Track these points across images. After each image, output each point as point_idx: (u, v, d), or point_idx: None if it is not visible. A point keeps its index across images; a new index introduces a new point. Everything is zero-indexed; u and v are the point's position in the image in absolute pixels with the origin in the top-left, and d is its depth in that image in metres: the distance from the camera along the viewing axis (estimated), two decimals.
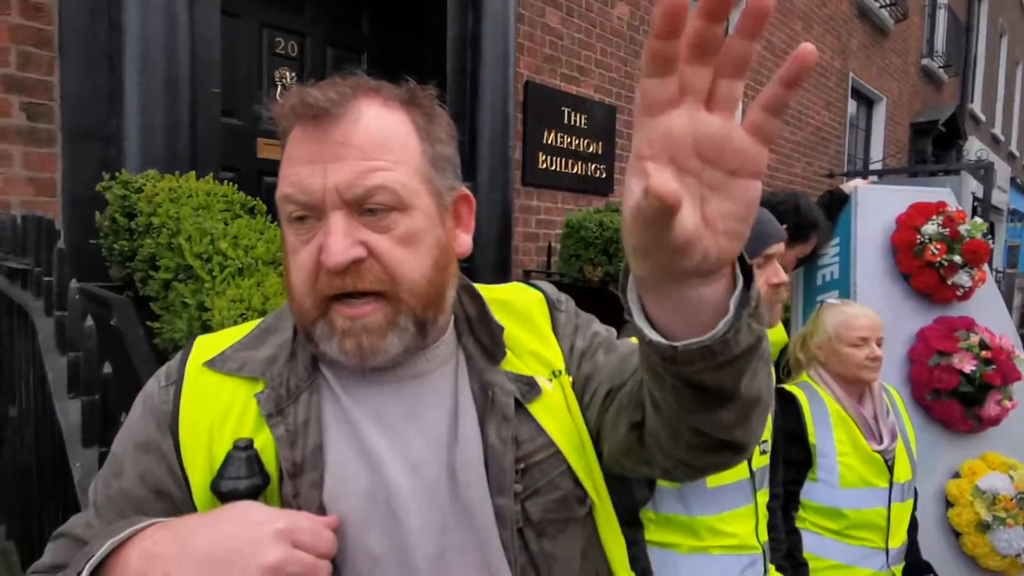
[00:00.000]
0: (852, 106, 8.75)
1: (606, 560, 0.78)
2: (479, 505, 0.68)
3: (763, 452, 1.39)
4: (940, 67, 11.22)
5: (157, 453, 0.69)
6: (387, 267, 0.64)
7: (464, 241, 0.75)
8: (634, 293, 0.53)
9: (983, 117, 13.68)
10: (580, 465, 0.73)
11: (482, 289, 0.81)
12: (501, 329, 0.76)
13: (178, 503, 0.68)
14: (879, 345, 1.72)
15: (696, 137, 0.43)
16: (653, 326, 0.52)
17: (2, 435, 2.19)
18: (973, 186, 5.52)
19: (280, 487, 0.65)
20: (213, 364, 0.71)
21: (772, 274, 1.37)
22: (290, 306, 0.70)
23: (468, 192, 0.76)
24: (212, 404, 0.69)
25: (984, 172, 5.20)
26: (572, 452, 0.73)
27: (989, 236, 2.34)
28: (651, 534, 1.30)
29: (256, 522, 0.58)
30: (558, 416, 0.74)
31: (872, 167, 8.98)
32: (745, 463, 1.31)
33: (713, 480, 1.28)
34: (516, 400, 0.72)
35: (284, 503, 0.65)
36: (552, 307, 0.83)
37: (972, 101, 12.84)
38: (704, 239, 0.45)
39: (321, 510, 0.65)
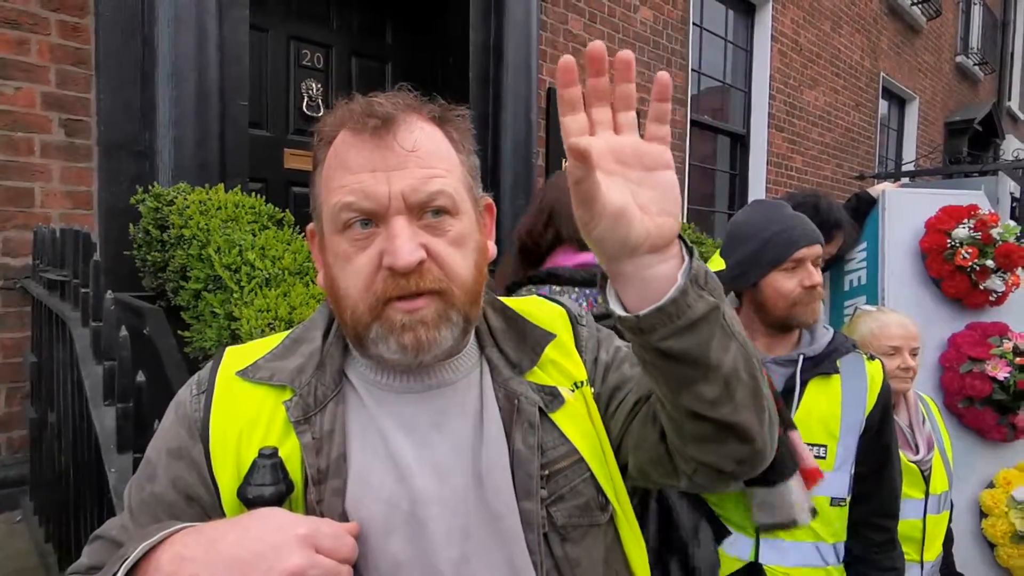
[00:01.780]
0: (883, 106, 8.58)
1: (628, 565, 0.79)
2: (506, 510, 0.70)
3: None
4: (975, 64, 10.94)
5: (188, 459, 0.71)
6: (444, 267, 0.68)
7: (491, 247, 0.78)
8: (611, 287, 0.64)
9: (1021, 115, 13.29)
10: (602, 473, 0.75)
11: (505, 302, 0.83)
12: (549, 339, 0.79)
13: (208, 508, 0.70)
14: (914, 355, 1.68)
15: (612, 149, 0.60)
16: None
17: (41, 440, 2.27)
18: (1011, 186, 5.37)
19: (305, 493, 0.68)
20: (245, 373, 0.73)
21: (805, 276, 1.38)
22: (339, 315, 0.72)
23: (491, 201, 0.80)
24: (242, 412, 0.71)
25: (1022, 172, 5.05)
26: (594, 460, 0.75)
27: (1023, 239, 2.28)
28: None
29: (279, 527, 0.59)
30: (580, 425, 0.76)
31: (904, 168, 8.79)
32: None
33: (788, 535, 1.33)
34: (540, 409, 0.74)
35: (309, 509, 0.67)
36: (574, 322, 0.85)
37: (1009, 99, 12.49)
38: (641, 219, 0.59)
39: (343, 517, 0.67)
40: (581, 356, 0.81)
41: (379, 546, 0.67)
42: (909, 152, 9.30)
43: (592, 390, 0.79)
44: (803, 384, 1.38)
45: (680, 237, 0.62)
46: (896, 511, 1.42)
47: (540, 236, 1.50)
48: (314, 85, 3.67)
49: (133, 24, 2.65)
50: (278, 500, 0.65)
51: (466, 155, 0.75)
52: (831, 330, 1.46)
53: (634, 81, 0.60)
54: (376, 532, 0.67)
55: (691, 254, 0.62)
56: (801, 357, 1.39)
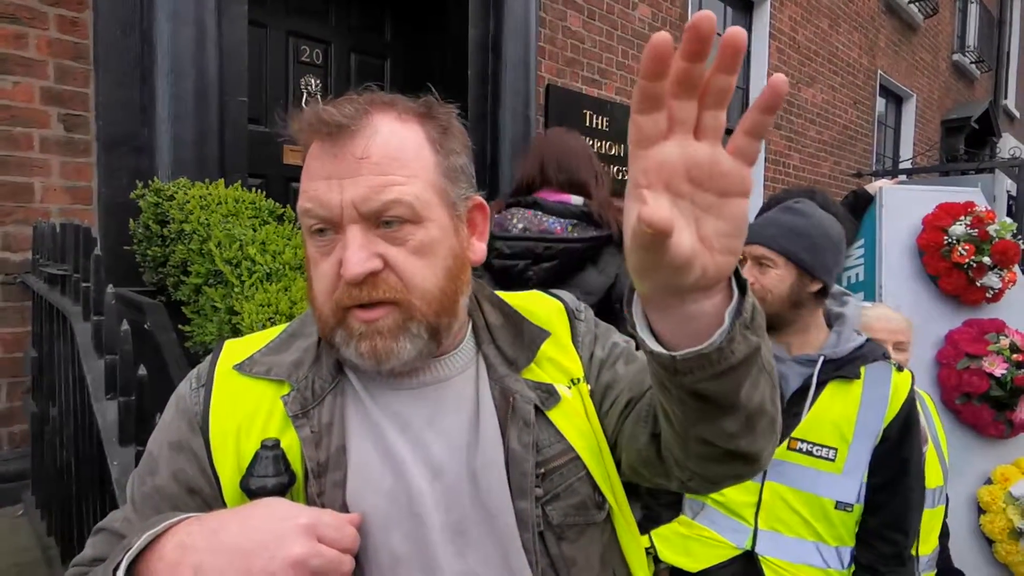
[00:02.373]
0: (880, 104, 8.59)
1: (625, 564, 0.79)
2: (500, 508, 0.69)
3: (801, 451, 1.38)
4: (972, 63, 10.96)
5: (189, 452, 0.72)
6: (402, 277, 0.66)
7: (479, 249, 0.76)
8: (639, 308, 0.56)
9: (1017, 113, 13.32)
10: (598, 471, 0.75)
11: (502, 297, 0.83)
12: (544, 336, 0.78)
13: (209, 500, 0.70)
14: (899, 350, 1.68)
15: (687, 164, 0.47)
16: (657, 339, 0.55)
17: (42, 435, 2.27)
18: (1008, 184, 5.39)
19: (305, 486, 0.68)
20: (242, 367, 0.74)
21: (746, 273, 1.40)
22: (312, 314, 0.72)
23: (483, 200, 0.77)
24: (240, 405, 0.72)
25: (1019, 170, 5.07)
26: (590, 458, 0.74)
27: (1020, 236, 2.29)
28: None
29: (282, 517, 0.60)
30: (577, 423, 0.75)
31: (901, 166, 8.80)
32: None
33: None
34: (536, 407, 0.73)
35: (309, 502, 0.67)
36: (572, 316, 0.84)
37: (1006, 97, 12.51)
38: (702, 257, 0.48)
39: (344, 509, 0.67)
40: (577, 352, 0.80)
41: (379, 539, 0.68)
42: (906, 150, 9.32)
43: (588, 386, 0.78)
44: (820, 385, 1.38)
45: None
46: (909, 527, 1.38)
47: (532, 180, 1.83)
48: (313, 81, 3.67)
49: (132, 19, 2.65)
50: (280, 491, 0.66)
51: (445, 155, 0.71)
52: (863, 336, 1.45)
53: (737, 72, 0.46)
54: (376, 525, 0.68)
55: (743, 291, 0.54)
56: (822, 359, 1.38)
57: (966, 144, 10.31)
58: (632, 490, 0.80)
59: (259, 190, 2.15)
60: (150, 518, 0.67)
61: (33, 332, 2.45)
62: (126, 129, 2.67)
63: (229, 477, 0.69)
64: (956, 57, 10.52)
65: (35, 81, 2.53)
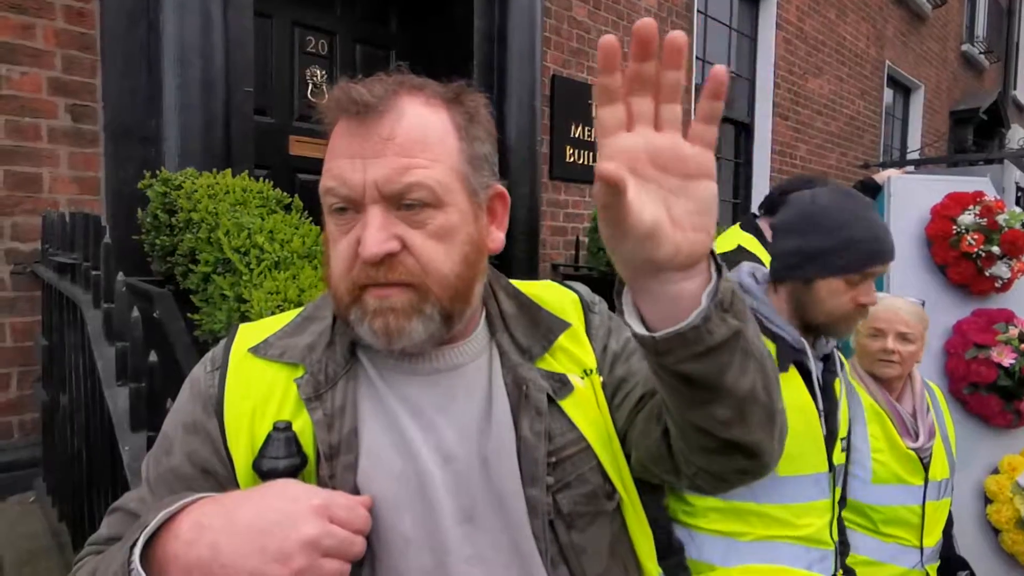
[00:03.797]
0: (888, 95, 8.54)
1: (634, 554, 0.79)
2: (511, 495, 0.70)
3: (843, 449, 1.35)
4: (981, 53, 10.87)
5: (204, 434, 0.73)
6: (419, 260, 0.67)
7: (497, 237, 0.76)
8: (628, 296, 0.60)
9: None
10: (609, 461, 0.75)
11: (517, 286, 0.83)
12: (564, 327, 0.79)
13: (223, 481, 0.71)
14: (903, 340, 1.66)
15: (650, 152, 0.53)
16: (646, 325, 0.58)
17: (53, 422, 2.29)
18: (1017, 175, 5.35)
19: (317, 468, 0.69)
20: (257, 350, 0.74)
21: (863, 293, 1.26)
22: (330, 292, 0.73)
23: (503, 189, 0.77)
24: (255, 388, 0.72)
25: None
26: (602, 448, 0.75)
27: None
28: (713, 523, 1.27)
29: (295, 497, 0.61)
30: (589, 413, 0.76)
31: (909, 156, 8.75)
32: (824, 456, 1.28)
33: (785, 469, 1.22)
34: (549, 396, 0.74)
35: (321, 483, 0.68)
36: (587, 308, 0.84)
37: (1015, 87, 12.41)
38: (672, 234, 0.53)
39: (355, 491, 0.68)
40: (591, 343, 0.81)
41: (390, 522, 0.68)
42: (914, 141, 9.27)
43: (600, 378, 0.79)
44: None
45: (711, 253, 0.57)
46: None
47: None
48: (318, 72, 3.66)
49: (138, 9, 2.65)
50: (292, 472, 0.67)
51: (469, 142, 0.71)
52: None
53: (683, 68, 0.52)
54: (387, 508, 0.68)
55: (719, 272, 0.57)
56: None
57: (975, 135, 10.24)
58: (650, 486, 0.81)
59: (266, 180, 2.16)
60: (165, 498, 0.68)
61: (43, 321, 2.47)
62: (133, 119, 2.68)
63: (243, 458, 0.70)
64: (965, 48, 10.43)
65: (42, 72, 2.54)
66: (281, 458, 0.67)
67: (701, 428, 0.62)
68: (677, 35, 0.49)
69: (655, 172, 0.52)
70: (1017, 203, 5.29)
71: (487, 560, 0.69)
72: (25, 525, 2.40)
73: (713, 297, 0.55)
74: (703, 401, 0.60)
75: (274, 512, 0.59)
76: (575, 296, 0.85)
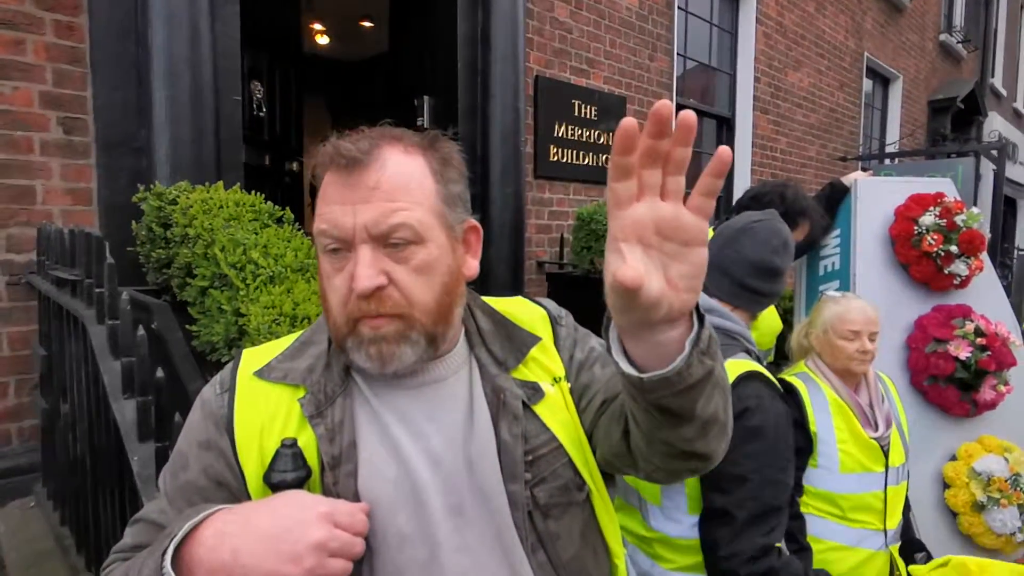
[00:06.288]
0: (867, 85, 8.66)
1: (602, 537, 0.90)
2: (494, 491, 0.79)
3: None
4: (959, 42, 11.00)
5: (217, 450, 0.81)
6: (404, 292, 0.76)
7: (472, 265, 0.86)
8: (615, 334, 0.66)
9: (1004, 92, 13.41)
10: (578, 457, 0.86)
11: (490, 302, 0.93)
12: (535, 341, 0.89)
13: (235, 491, 0.80)
14: (872, 340, 1.78)
15: (655, 220, 0.58)
16: (630, 360, 0.65)
17: (54, 429, 2.36)
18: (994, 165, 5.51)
19: (321, 477, 0.78)
20: (261, 373, 0.84)
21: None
22: (327, 322, 0.82)
23: (476, 223, 0.87)
24: (261, 408, 0.81)
25: (998, 152, 5.17)
26: (571, 446, 0.85)
27: (985, 223, 2.39)
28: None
29: (303, 506, 0.70)
30: (559, 416, 0.86)
31: (888, 147, 8.90)
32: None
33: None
34: (523, 402, 0.84)
35: (325, 491, 0.77)
36: (554, 322, 0.95)
37: (993, 76, 12.59)
38: (668, 296, 0.58)
39: (356, 496, 0.77)
40: (560, 354, 0.91)
41: (387, 521, 0.78)
42: (893, 131, 9.41)
43: (568, 385, 0.89)
44: None
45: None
46: None
47: None
48: None
49: (127, 23, 2.69)
50: (299, 484, 0.75)
51: (444, 184, 0.80)
52: None
53: (691, 144, 0.57)
54: (384, 509, 0.77)
55: (701, 322, 0.63)
56: None
57: (952, 124, 10.40)
58: (608, 477, 0.91)
59: (266, 192, 2.23)
60: (183, 509, 0.77)
61: (40, 331, 2.52)
62: (124, 131, 2.73)
63: (253, 472, 0.79)
64: (943, 37, 10.56)
65: (34, 86, 2.58)
66: (289, 471, 0.75)
67: (667, 442, 0.71)
68: (689, 115, 0.55)
69: (658, 239, 0.58)
70: (995, 191, 5.41)
71: (474, 550, 0.79)
72: (28, 529, 2.45)
73: (695, 344, 0.62)
74: (673, 425, 0.68)
75: (286, 519, 0.68)
76: (544, 312, 0.96)
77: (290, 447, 0.77)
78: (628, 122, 0.55)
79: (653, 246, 0.58)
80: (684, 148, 0.56)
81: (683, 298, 0.59)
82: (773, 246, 1.50)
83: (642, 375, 0.63)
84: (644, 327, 0.62)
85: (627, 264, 0.56)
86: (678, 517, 1.35)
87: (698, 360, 0.63)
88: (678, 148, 0.56)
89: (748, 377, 1.32)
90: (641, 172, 0.57)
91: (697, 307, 0.63)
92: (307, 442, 0.78)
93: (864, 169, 5.37)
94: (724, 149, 0.56)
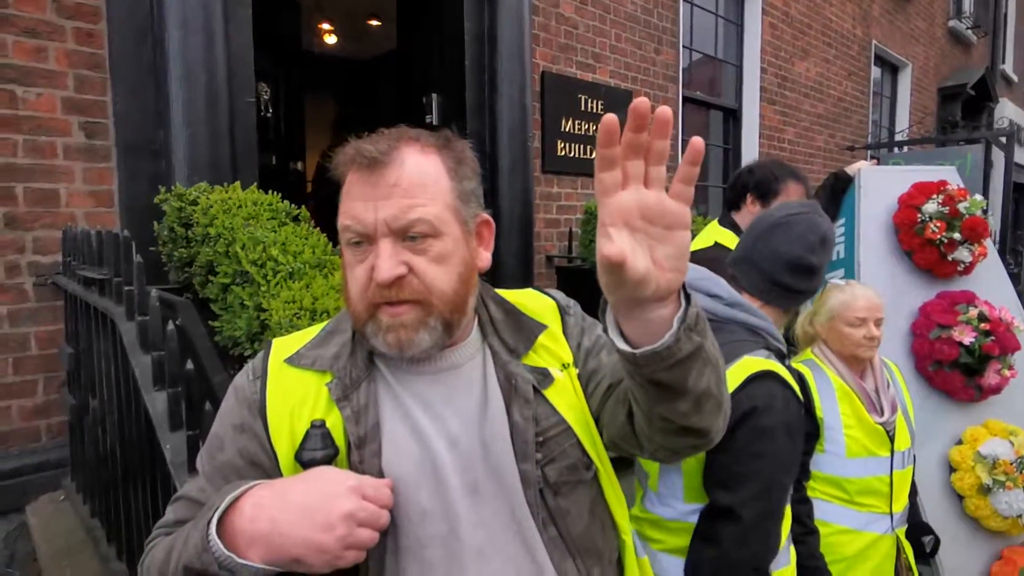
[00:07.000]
0: (876, 74, 8.62)
1: (610, 513, 0.96)
2: (507, 470, 0.85)
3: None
4: (968, 28, 10.90)
5: (251, 433, 0.88)
6: (423, 281, 0.81)
7: (484, 257, 0.92)
8: (611, 316, 0.72)
9: (1016, 78, 13.27)
10: (586, 438, 0.91)
11: (503, 295, 0.99)
12: (542, 329, 0.95)
13: (268, 470, 0.87)
14: (878, 325, 1.81)
15: (640, 206, 0.64)
16: (625, 339, 0.71)
17: (82, 424, 2.44)
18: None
19: (348, 456, 0.84)
20: (292, 361, 0.90)
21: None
22: (347, 310, 0.88)
23: (488, 217, 0.94)
24: (292, 392, 0.88)
25: (1007, 139, 5.16)
26: (579, 428, 0.91)
27: (989, 212, 2.42)
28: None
29: (333, 481, 0.76)
30: (568, 399, 0.91)
31: (897, 135, 8.85)
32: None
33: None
34: (534, 387, 0.90)
35: (352, 468, 0.83)
36: (563, 312, 1.01)
37: (1004, 62, 12.46)
38: (656, 276, 0.64)
39: (380, 473, 0.83)
40: (568, 342, 0.97)
41: (410, 497, 0.84)
42: (902, 119, 9.35)
43: (576, 370, 0.95)
44: None
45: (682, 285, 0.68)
46: None
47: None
48: None
49: (144, 29, 2.77)
50: (328, 461, 0.82)
51: (459, 181, 0.86)
52: None
53: (669, 137, 0.63)
54: (407, 486, 0.84)
55: (688, 301, 0.68)
56: None
57: (963, 111, 10.32)
58: (625, 461, 0.97)
59: (274, 191, 2.30)
60: (221, 487, 0.84)
61: (67, 329, 2.60)
62: (143, 134, 2.81)
63: (285, 452, 0.85)
64: (952, 23, 10.47)
65: (56, 92, 2.67)
66: (319, 449, 0.82)
67: (665, 417, 0.76)
68: (665, 111, 0.61)
69: (644, 224, 0.63)
70: (1006, 177, 5.39)
71: (490, 525, 0.85)
72: (60, 522, 2.54)
73: (682, 321, 0.67)
74: (668, 399, 0.73)
75: (318, 492, 0.75)
76: (553, 303, 1.02)
77: (319, 427, 0.83)
78: (609, 118, 0.60)
79: (639, 229, 0.64)
80: (662, 140, 0.62)
81: (668, 277, 0.64)
82: (810, 242, 1.45)
83: (635, 351, 0.68)
84: (635, 305, 0.67)
85: (613, 243, 0.62)
86: (673, 504, 1.38)
87: (686, 336, 0.67)
88: (657, 141, 0.62)
89: (762, 376, 1.29)
90: (625, 163, 0.63)
91: (684, 289, 0.69)
92: (334, 423, 0.85)
93: (872, 158, 5.37)
94: (697, 139, 0.62)
